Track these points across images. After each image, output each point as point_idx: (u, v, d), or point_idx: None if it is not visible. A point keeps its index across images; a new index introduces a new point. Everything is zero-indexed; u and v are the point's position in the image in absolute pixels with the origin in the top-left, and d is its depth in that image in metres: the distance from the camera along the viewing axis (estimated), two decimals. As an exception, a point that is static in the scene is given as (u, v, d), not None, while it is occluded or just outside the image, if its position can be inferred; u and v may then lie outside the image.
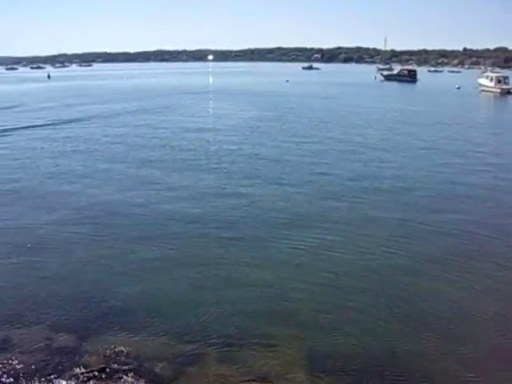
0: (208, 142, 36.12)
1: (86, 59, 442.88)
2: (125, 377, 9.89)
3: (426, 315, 12.29)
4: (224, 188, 23.43)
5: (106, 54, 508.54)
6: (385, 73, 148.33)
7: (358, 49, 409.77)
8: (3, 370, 10.14)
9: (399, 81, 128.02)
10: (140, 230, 18.09)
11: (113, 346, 10.81)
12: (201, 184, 24.30)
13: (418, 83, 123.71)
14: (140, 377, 9.89)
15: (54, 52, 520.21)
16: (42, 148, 34.64)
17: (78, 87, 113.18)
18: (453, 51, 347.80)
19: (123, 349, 10.71)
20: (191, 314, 12.27)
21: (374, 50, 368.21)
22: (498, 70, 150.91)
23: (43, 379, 9.88)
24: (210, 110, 60.08)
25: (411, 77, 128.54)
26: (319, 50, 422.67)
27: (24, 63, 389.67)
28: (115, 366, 10.19)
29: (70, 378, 9.86)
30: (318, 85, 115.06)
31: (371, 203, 21.09)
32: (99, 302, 12.92)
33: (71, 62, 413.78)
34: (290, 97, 78.28)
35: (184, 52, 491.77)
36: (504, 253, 15.91)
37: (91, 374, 9.90)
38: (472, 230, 17.91)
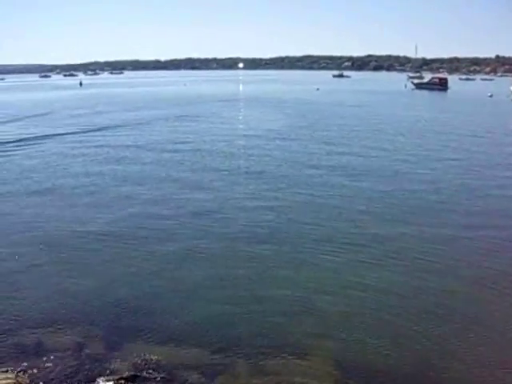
0: (239, 150, 36.08)
1: (118, 67, 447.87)
2: (155, 385, 9.92)
3: (465, 327, 12.14)
4: (256, 197, 23.34)
5: (137, 61, 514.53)
6: (415, 81, 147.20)
7: (389, 57, 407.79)
8: (36, 374, 10.23)
9: (430, 89, 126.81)
10: (174, 242, 18.03)
11: (143, 354, 10.84)
12: (233, 194, 24.18)
13: (449, 91, 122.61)
14: (170, 386, 9.91)
15: (87, 60, 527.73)
16: (74, 155, 35.02)
17: (109, 94, 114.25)
18: (485, 59, 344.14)
19: (153, 357, 10.73)
20: (221, 324, 12.28)
21: (405, 57, 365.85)
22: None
23: (74, 384, 9.95)
24: (240, 117, 60.02)
25: (442, 85, 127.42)
26: (349, 58, 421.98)
27: (57, 71, 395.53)
28: (145, 374, 10.23)
29: (100, 385, 9.91)
30: (349, 93, 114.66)
31: (405, 216, 20.80)
32: (131, 311, 12.99)
33: (103, 70, 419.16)
34: (320, 105, 78.07)
35: (214, 60, 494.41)
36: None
37: (121, 382, 9.92)
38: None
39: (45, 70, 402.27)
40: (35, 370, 10.34)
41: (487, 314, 12.81)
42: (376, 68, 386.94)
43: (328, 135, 43.45)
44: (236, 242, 17.71)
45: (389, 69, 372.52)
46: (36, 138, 43.27)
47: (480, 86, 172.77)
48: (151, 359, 10.67)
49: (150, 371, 10.30)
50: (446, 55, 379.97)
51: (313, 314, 12.74)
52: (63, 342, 11.41)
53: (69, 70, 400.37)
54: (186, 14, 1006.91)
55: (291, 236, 18.40)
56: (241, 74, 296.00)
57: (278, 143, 39.07)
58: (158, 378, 10.10)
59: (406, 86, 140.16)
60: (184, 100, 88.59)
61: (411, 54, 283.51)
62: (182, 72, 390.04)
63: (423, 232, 18.70)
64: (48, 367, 10.47)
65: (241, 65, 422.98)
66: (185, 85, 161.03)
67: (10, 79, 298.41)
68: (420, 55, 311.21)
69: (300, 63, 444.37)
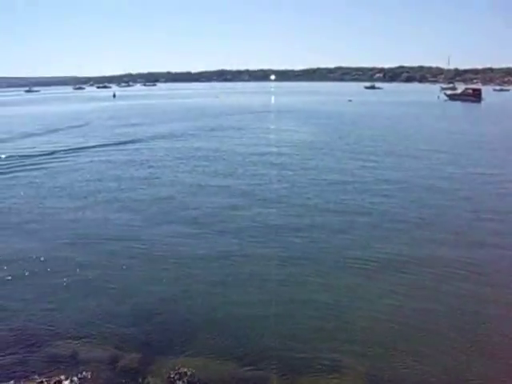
0: (271, 163, 35.85)
1: (150, 79, 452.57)
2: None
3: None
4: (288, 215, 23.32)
5: (169, 73, 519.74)
6: (448, 92, 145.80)
7: (421, 68, 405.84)
8: (69, 386, 10.31)
9: (463, 100, 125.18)
10: (206, 250, 18.16)
11: (176, 368, 10.83)
12: (263, 211, 24.19)
13: (482, 103, 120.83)
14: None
15: (120, 72, 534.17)
16: (108, 167, 35.51)
17: (142, 106, 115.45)
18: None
19: (187, 371, 10.70)
20: (254, 337, 12.24)
21: (437, 68, 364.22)
22: None
23: (108, 398, 10.02)
24: (272, 129, 59.95)
25: (476, 96, 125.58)
26: (381, 70, 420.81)
27: (91, 83, 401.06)
28: (179, 388, 10.19)
29: (134, 399, 9.96)
30: (381, 104, 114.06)
31: (440, 238, 20.60)
32: (164, 324, 13.02)
33: (136, 82, 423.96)
34: (352, 117, 77.71)
35: (246, 72, 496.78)
36: None
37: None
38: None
39: (79, 82, 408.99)
40: (69, 381, 10.41)
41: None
42: (408, 79, 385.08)
43: (361, 148, 42.81)
44: (272, 259, 17.52)
45: (421, 80, 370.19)
46: (71, 149, 43.86)
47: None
48: (185, 373, 10.65)
49: (184, 385, 10.30)
50: (479, 66, 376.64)
51: (345, 329, 12.62)
52: (97, 355, 11.49)
53: (102, 81, 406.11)
54: (217, 27, 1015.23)
55: (323, 246, 18.35)
56: (272, 85, 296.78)
57: (310, 156, 38.74)
58: (191, 393, 10.10)
59: (438, 98, 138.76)
60: (216, 112, 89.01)
61: (444, 65, 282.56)
62: (214, 84, 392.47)
63: (468, 251, 18.12)
64: (82, 379, 10.53)
65: (272, 77, 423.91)
66: (217, 97, 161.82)
67: (45, 91, 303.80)
68: (453, 66, 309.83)
69: (332, 75, 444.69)
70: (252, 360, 11.26)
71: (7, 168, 35.46)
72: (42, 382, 10.20)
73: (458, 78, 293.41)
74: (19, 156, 40.19)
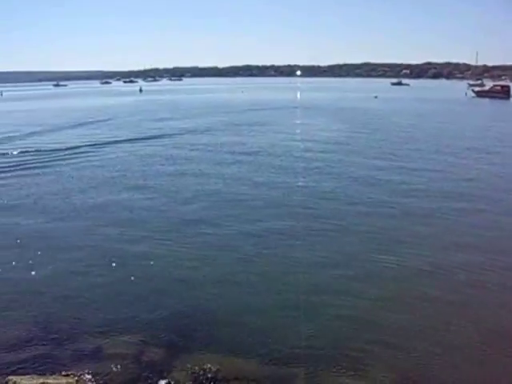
0: (296, 158, 35.82)
1: (176, 73, 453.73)
2: (213, 397, 9.92)
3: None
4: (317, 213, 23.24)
5: (195, 68, 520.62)
6: (476, 89, 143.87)
7: (448, 64, 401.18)
8: (95, 380, 10.35)
9: (491, 97, 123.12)
10: (237, 249, 18.00)
11: (201, 364, 10.80)
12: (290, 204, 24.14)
13: (511, 100, 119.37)
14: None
15: (146, 66, 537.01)
16: (135, 161, 35.86)
17: (168, 101, 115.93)
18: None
19: (212, 367, 10.67)
20: (280, 334, 12.16)
21: (465, 65, 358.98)
22: None
23: (132, 392, 10.04)
24: (298, 125, 59.67)
25: (505, 93, 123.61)
26: (408, 66, 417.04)
27: (118, 77, 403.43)
28: (203, 384, 10.18)
29: (158, 394, 9.96)
30: (407, 101, 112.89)
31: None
32: (190, 320, 13.00)
33: (162, 77, 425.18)
34: (378, 113, 77.09)
35: (272, 67, 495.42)
36: None
37: (179, 391, 9.94)
38: None
39: (106, 77, 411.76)
40: (95, 376, 10.45)
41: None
42: (435, 76, 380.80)
43: (387, 146, 42.07)
44: (297, 249, 17.57)
45: (448, 77, 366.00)
46: (98, 144, 44.27)
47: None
48: (210, 369, 10.61)
49: (208, 381, 10.26)
50: (508, 62, 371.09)
51: (373, 327, 12.49)
52: (123, 349, 11.51)
53: (129, 76, 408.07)
54: (244, 22, 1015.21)
55: (357, 247, 18.17)
56: (298, 81, 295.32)
57: (336, 153, 38.43)
58: (216, 390, 10.08)
59: (466, 94, 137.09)
60: (241, 107, 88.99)
61: (472, 61, 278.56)
62: (240, 79, 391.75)
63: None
64: (107, 373, 10.57)
65: (298, 72, 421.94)
66: (242, 92, 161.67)
67: (73, 85, 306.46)
68: (481, 62, 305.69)
69: (358, 71, 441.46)
70: (278, 358, 11.16)
71: (49, 161, 36.48)
72: (67, 375, 10.24)
73: (485, 75, 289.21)
74: (52, 150, 40.90)
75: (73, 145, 43.63)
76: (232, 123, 60.88)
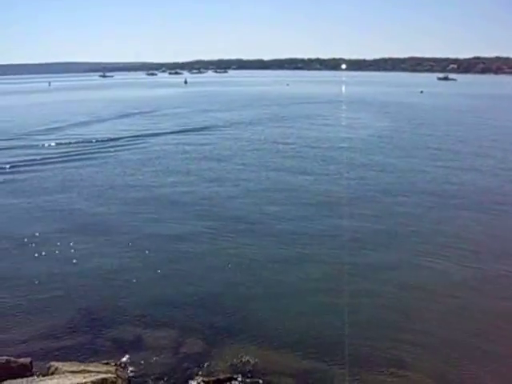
0: (341, 154, 35.47)
1: (221, 66, 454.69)
2: (250, 389, 9.92)
3: None
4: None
5: (240, 60, 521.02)
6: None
7: (497, 58, 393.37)
8: (134, 369, 10.47)
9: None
10: (279, 244, 17.96)
11: (240, 356, 10.84)
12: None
13: None
14: (266, 391, 9.89)
15: (192, 58, 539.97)
16: (177, 153, 36.28)
17: (213, 93, 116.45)
18: None
19: (250, 359, 10.69)
20: (319, 330, 12.11)
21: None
22: None
23: (171, 382, 10.09)
24: (342, 119, 59.22)
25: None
26: (455, 60, 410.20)
27: (163, 69, 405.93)
28: (241, 377, 10.18)
29: (196, 384, 10.02)
30: (454, 96, 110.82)
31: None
32: (228, 312, 13.04)
33: (207, 69, 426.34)
34: (423, 108, 75.98)
35: (317, 60, 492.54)
36: None
37: (217, 383, 9.97)
38: None
39: (151, 68, 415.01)
40: (134, 365, 10.59)
41: None
42: (483, 71, 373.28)
43: (433, 143, 40.92)
44: (343, 251, 17.38)
45: (497, 71, 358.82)
46: (141, 135, 44.85)
47: None
48: (248, 362, 10.65)
49: (246, 374, 10.25)
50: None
51: (414, 326, 12.34)
52: (162, 339, 11.61)
53: (174, 68, 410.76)
54: (289, 15, 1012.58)
55: (402, 248, 18.01)
56: (343, 75, 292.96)
57: (380, 147, 38.35)
58: (253, 382, 10.09)
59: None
60: (286, 100, 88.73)
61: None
62: (285, 72, 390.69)
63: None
64: (146, 363, 10.67)
65: (343, 66, 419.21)
66: (287, 85, 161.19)
67: (119, 76, 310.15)
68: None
69: (404, 65, 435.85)
70: (317, 353, 11.11)
71: (97, 149, 38.00)
72: (107, 363, 10.36)
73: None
74: (109, 139, 42.39)
75: (119, 135, 44.51)
76: (276, 116, 60.94)
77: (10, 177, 28.78)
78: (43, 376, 9.62)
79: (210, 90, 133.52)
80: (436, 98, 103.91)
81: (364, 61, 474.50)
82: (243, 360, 10.71)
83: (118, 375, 9.69)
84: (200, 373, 10.34)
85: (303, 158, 33.45)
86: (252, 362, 10.65)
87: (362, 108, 74.02)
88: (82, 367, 9.84)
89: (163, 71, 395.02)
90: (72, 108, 76.75)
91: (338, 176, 28.27)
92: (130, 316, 12.77)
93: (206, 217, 20.88)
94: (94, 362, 10.45)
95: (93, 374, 9.43)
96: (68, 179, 27.89)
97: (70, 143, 40.35)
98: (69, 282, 14.93)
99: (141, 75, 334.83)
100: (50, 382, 9.01)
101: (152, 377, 10.23)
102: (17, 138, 43.60)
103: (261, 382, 10.07)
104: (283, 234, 18.68)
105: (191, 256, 16.66)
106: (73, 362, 10.22)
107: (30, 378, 9.42)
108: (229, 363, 10.68)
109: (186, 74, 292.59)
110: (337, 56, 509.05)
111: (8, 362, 9.88)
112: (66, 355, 10.90)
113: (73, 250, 17.17)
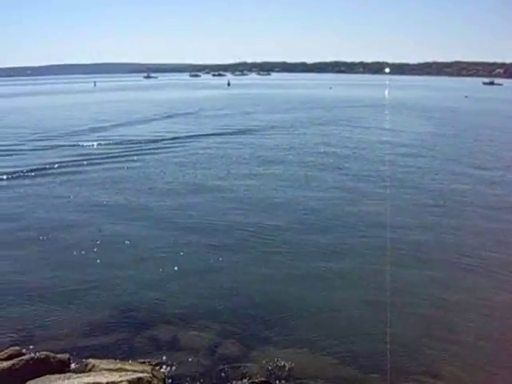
0: (382, 158, 35.19)
1: (265, 68, 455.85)
2: (286, 394, 9.87)
3: None
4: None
5: (283, 63, 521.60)
6: None
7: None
8: (170, 369, 10.48)
9: None
10: (317, 246, 17.89)
11: (276, 360, 10.73)
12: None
13: None
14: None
15: (235, 60, 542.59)
16: (218, 155, 36.49)
17: (255, 95, 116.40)
18: None
19: (286, 364, 10.58)
20: (359, 339, 11.89)
21: None
22: None
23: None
24: (385, 123, 58.49)
25: None
26: (502, 65, 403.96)
27: (207, 70, 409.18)
28: (277, 381, 10.10)
29: (231, 387, 9.99)
30: (500, 102, 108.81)
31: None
32: (266, 314, 12.96)
33: (250, 71, 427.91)
34: (468, 113, 74.91)
35: (360, 64, 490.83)
36: None
37: (253, 386, 9.93)
38: None
39: (195, 70, 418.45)
40: (169, 365, 10.58)
41: None
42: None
43: (478, 151, 39.44)
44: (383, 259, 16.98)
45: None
46: (184, 137, 45.23)
47: None
48: (284, 366, 10.54)
49: (282, 379, 10.16)
50: None
51: (448, 336, 12.11)
52: (198, 340, 11.60)
53: (217, 70, 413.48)
54: (332, 18, 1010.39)
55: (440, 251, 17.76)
56: (387, 78, 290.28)
57: (423, 152, 37.75)
58: (289, 387, 10.00)
59: None
60: (329, 104, 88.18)
61: None
62: (328, 75, 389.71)
63: None
64: (182, 363, 10.67)
65: (387, 70, 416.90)
66: (330, 88, 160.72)
67: (163, 77, 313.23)
68: None
69: (448, 69, 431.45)
70: (355, 359, 10.97)
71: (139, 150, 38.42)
72: (143, 362, 10.41)
73: None
74: (147, 141, 42.78)
75: (164, 137, 45.19)
76: (318, 120, 60.39)
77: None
78: (80, 373, 9.72)
79: (252, 92, 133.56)
80: (481, 103, 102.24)
81: (407, 65, 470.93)
82: (279, 364, 10.60)
83: (153, 375, 9.72)
84: (235, 375, 10.27)
85: (345, 161, 33.30)
86: (288, 366, 10.53)
87: (405, 113, 73.33)
88: (119, 365, 9.91)
89: (207, 73, 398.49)
90: (124, 108, 78.77)
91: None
92: (168, 316, 12.79)
93: (245, 218, 20.91)
94: (131, 360, 10.53)
95: (129, 372, 9.48)
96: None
97: (116, 144, 41.26)
98: (109, 280, 15.08)
99: (184, 76, 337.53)
100: (86, 378, 9.09)
101: (187, 378, 10.19)
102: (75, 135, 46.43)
103: (296, 386, 9.99)
104: (323, 247, 18.10)
105: (231, 260, 16.65)
106: (109, 360, 10.29)
107: (68, 374, 9.51)
108: (265, 367, 10.59)
109: (229, 76, 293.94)
110: (380, 60, 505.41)
111: (47, 357, 10.01)
112: (103, 352, 10.95)
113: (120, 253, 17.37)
